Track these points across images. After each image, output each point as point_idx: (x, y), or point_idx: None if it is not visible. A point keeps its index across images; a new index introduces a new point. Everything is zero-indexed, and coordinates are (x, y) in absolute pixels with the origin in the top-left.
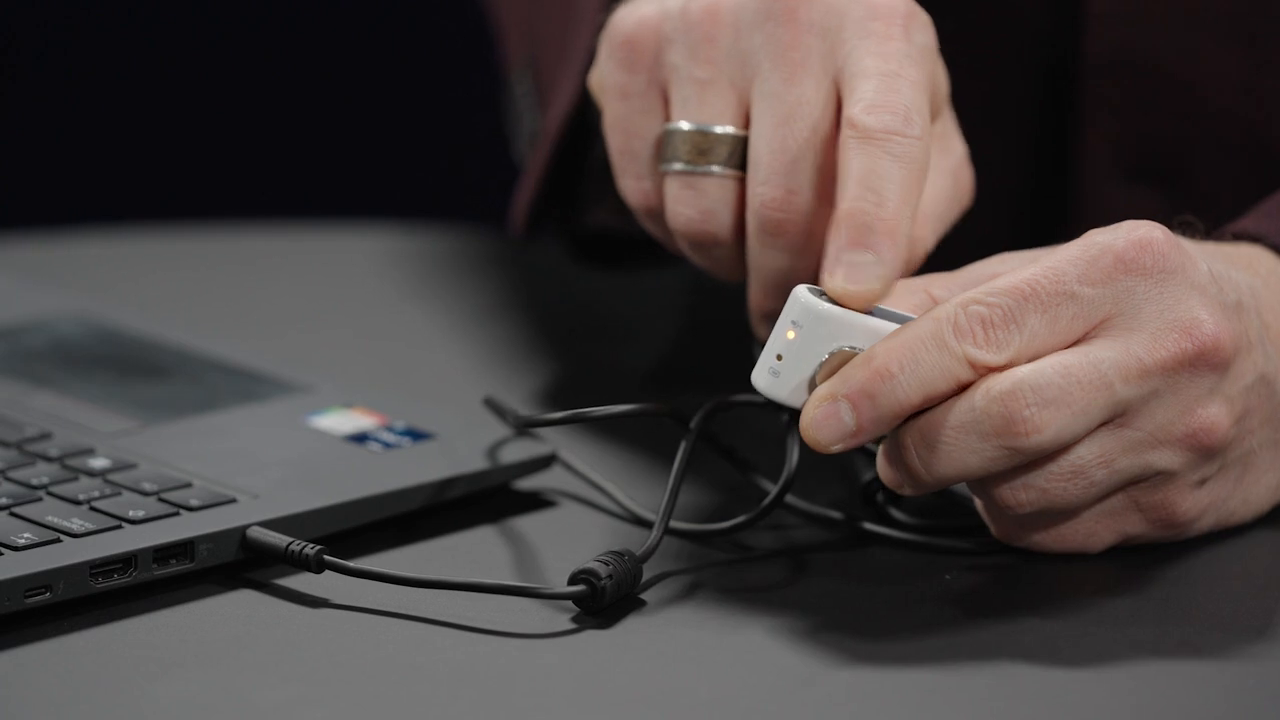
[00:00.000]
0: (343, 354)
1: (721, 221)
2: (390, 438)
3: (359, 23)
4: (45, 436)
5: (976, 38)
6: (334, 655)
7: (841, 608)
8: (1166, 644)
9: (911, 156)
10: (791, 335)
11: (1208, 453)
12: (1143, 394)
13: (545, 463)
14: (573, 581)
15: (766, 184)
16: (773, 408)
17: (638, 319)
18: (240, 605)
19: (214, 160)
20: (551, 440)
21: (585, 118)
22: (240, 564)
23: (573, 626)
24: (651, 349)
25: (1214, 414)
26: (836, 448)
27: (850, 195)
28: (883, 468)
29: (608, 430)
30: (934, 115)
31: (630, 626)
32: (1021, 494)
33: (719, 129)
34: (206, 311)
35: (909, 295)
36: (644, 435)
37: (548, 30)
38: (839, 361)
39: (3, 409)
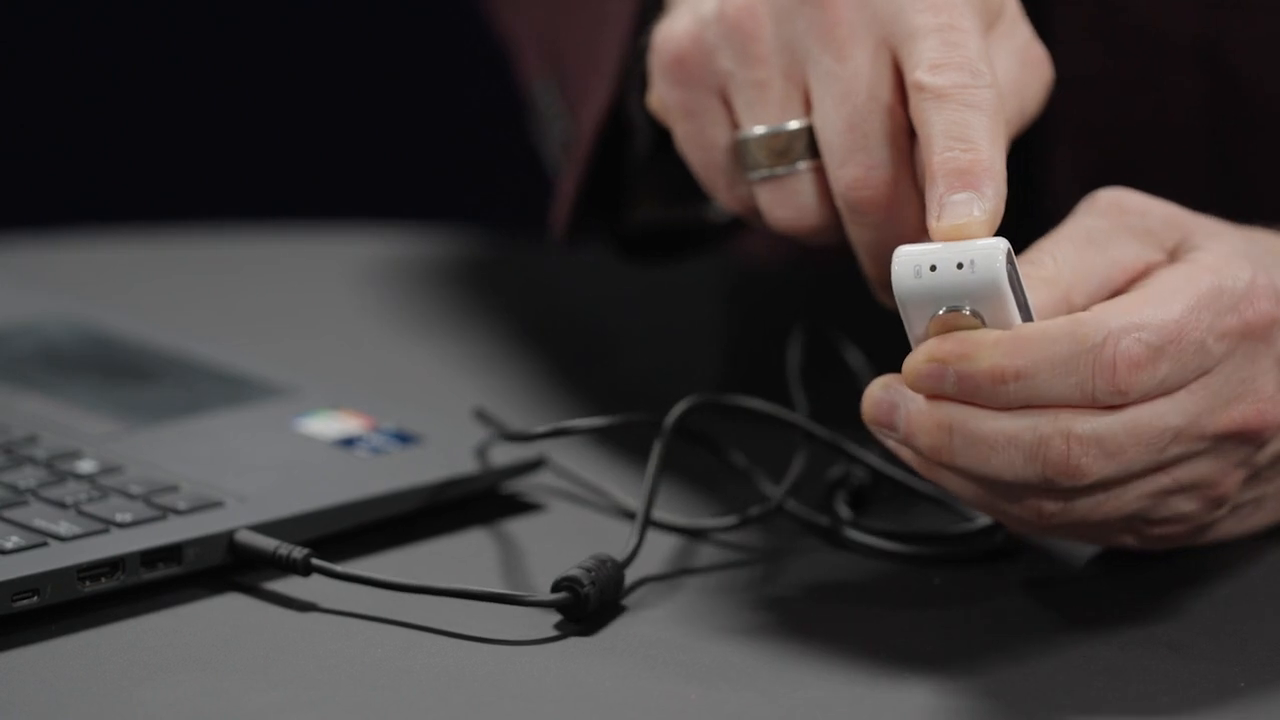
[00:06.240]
0: (330, 358)
1: (817, 213)
2: (378, 441)
3: (352, 27)
4: (32, 439)
5: None
6: (321, 659)
7: (826, 612)
8: (1155, 645)
9: (987, 102)
10: (959, 267)
11: (1219, 503)
12: (1191, 452)
13: (533, 466)
14: (555, 589)
15: (844, 166)
16: (770, 405)
17: (628, 324)
18: (228, 609)
19: (201, 164)
20: (539, 444)
21: (619, 120)
22: (228, 567)
23: (557, 633)
24: (642, 354)
25: (1237, 478)
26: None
27: (939, 149)
28: (918, 427)
29: (596, 433)
30: (993, 19)
31: (614, 631)
32: (1051, 507)
33: (789, 126)
34: (194, 315)
35: (1049, 289)
36: (633, 437)
37: (572, 39)
38: (962, 322)
39: None
